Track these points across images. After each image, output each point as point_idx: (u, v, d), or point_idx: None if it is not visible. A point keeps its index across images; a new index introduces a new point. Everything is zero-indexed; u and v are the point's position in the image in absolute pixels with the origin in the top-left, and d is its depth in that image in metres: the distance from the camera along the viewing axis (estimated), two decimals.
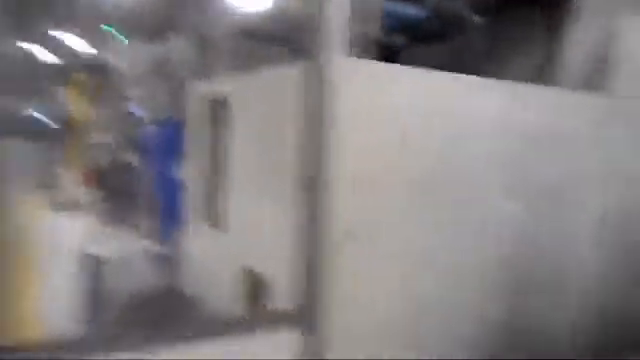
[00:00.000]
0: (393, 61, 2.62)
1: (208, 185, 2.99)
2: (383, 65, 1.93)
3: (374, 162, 1.90)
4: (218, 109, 2.79)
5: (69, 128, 6.67)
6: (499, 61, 2.85)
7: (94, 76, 6.83)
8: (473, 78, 2.04)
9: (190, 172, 3.33)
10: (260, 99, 2.39)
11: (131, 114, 6.46)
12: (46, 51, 7.38)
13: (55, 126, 6.99)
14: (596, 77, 2.46)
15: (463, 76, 2.02)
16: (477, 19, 2.30)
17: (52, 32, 7.08)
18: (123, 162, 6.09)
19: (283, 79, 2.14)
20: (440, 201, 2.04)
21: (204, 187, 3.04)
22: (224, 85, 2.78)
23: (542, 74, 2.56)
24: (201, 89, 3.00)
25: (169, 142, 4.50)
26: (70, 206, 4.93)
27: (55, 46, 7.29)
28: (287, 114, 2.09)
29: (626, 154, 2.47)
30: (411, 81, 1.98)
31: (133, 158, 5.92)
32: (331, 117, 1.85)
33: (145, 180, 5.28)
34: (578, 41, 2.54)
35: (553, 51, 2.56)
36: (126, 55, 6.88)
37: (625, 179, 2.47)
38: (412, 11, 2.43)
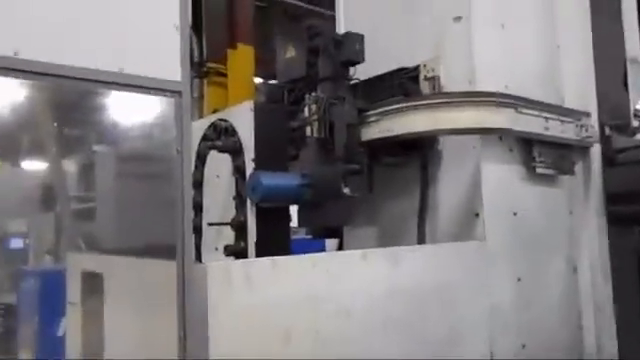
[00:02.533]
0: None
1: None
2: (257, 262, 1.89)
3: None
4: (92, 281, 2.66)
5: None
6: (376, 210, 2.93)
7: None
8: (350, 252, 2.06)
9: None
10: (135, 283, 2.30)
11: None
12: None
13: None
14: (467, 224, 2.57)
15: (340, 253, 2.04)
16: (347, 190, 2.34)
17: None
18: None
19: (158, 272, 2.06)
20: None
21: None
22: (99, 261, 2.64)
23: (420, 222, 2.64)
24: (77, 261, 2.84)
25: (52, 292, 4.17)
26: None
27: None
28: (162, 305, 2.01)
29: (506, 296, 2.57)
30: (288, 271, 1.94)
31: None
32: (206, 320, 1.77)
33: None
34: (447, 189, 2.66)
35: (426, 199, 2.67)
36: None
37: (506, 321, 2.55)
38: (285, 180, 2.45)
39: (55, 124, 3.11)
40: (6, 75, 1.43)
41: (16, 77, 1.45)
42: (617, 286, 3.02)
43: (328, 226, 2.97)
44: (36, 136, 3.46)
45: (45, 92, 1.91)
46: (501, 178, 2.69)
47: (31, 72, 1.46)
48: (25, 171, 5.25)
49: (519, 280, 2.64)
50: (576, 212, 3.04)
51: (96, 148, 3.46)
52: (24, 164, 5.28)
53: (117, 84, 1.61)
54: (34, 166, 5.11)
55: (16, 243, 5.95)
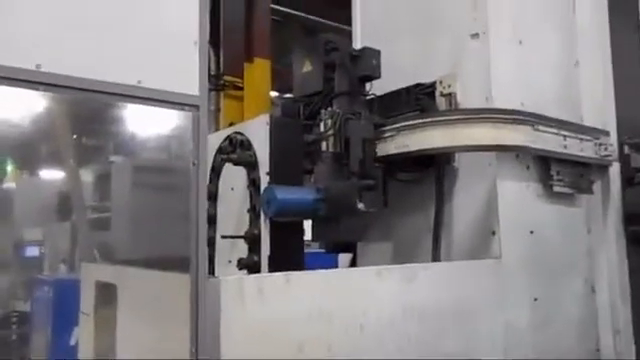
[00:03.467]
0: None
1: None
2: (270, 276, 1.89)
3: None
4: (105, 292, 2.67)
5: None
6: (391, 226, 2.91)
7: None
8: (365, 269, 2.04)
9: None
10: (148, 294, 2.29)
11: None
12: None
13: None
14: (482, 242, 2.55)
15: (354, 269, 2.02)
16: (362, 206, 2.33)
17: None
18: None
19: (171, 285, 2.05)
20: None
21: None
22: (113, 272, 2.65)
23: (435, 239, 2.62)
24: (91, 271, 2.86)
25: (66, 301, 4.20)
26: None
27: None
28: (174, 317, 2.01)
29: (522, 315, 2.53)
30: (301, 286, 1.93)
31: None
32: (218, 333, 1.76)
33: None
34: (462, 206, 2.64)
35: (441, 216, 2.64)
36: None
37: (522, 341, 2.51)
38: (300, 194, 2.45)
39: (74, 135, 3.15)
40: (28, 88, 1.46)
41: (37, 89, 1.47)
42: (636, 308, 2.96)
43: (342, 241, 2.96)
44: (54, 146, 3.51)
45: (64, 104, 1.94)
46: (518, 196, 2.66)
47: (52, 85, 1.49)
48: (43, 180, 5.32)
49: (535, 300, 2.60)
50: (594, 231, 2.99)
51: (113, 159, 3.49)
52: (42, 173, 5.35)
53: (136, 97, 1.63)
54: (51, 175, 5.18)
55: (32, 251, 6.00)
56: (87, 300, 2.92)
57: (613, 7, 3.17)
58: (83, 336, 3.02)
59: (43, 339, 4.58)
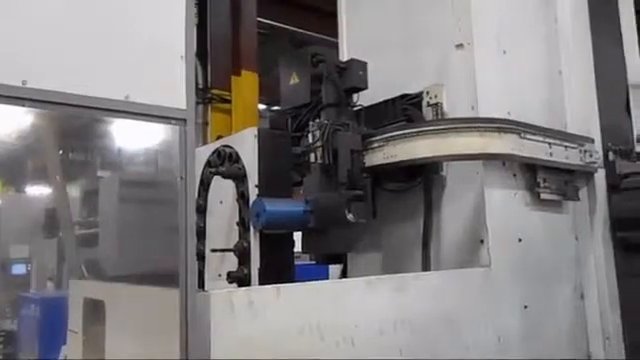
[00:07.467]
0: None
1: None
2: (260, 289, 1.88)
3: None
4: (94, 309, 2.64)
5: None
6: (380, 236, 2.91)
7: None
8: (354, 280, 2.04)
9: None
10: (137, 310, 2.27)
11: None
12: None
13: None
14: (471, 251, 2.56)
15: (344, 280, 2.02)
16: (351, 216, 2.34)
17: None
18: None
19: (160, 300, 2.04)
20: None
21: None
22: (101, 289, 2.62)
23: (424, 248, 2.63)
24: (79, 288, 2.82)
25: (53, 320, 4.14)
26: None
27: None
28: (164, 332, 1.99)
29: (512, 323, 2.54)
30: (291, 299, 1.92)
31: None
32: (209, 348, 1.75)
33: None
34: (450, 215, 2.66)
35: (430, 225, 2.65)
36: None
37: (513, 348, 2.52)
38: (289, 206, 2.45)
39: (60, 151, 3.13)
40: (15, 104, 1.45)
41: (23, 105, 1.47)
42: (626, 314, 2.98)
43: (332, 252, 2.96)
44: (41, 162, 3.48)
45: (51, 119, 1.93)
46: (505, 204, 2.68)
47: (39, 101, 1.48)
48: (29, 197, 5.26)
49: (525, 307, 2.61)
50: (582, 238, 3.02)
51: (101, 174, 3.47)
52: (28, 190, 5.30)
53: (123, 112, 1.63)
54: (38, 192, 5.13)
55: (18, 269, 5.93)
56: (75, 318, 2.88)
57: (594, 16, 3.23)
58: (71, 355, 2.98)
59: (31, 358, 4.51)
